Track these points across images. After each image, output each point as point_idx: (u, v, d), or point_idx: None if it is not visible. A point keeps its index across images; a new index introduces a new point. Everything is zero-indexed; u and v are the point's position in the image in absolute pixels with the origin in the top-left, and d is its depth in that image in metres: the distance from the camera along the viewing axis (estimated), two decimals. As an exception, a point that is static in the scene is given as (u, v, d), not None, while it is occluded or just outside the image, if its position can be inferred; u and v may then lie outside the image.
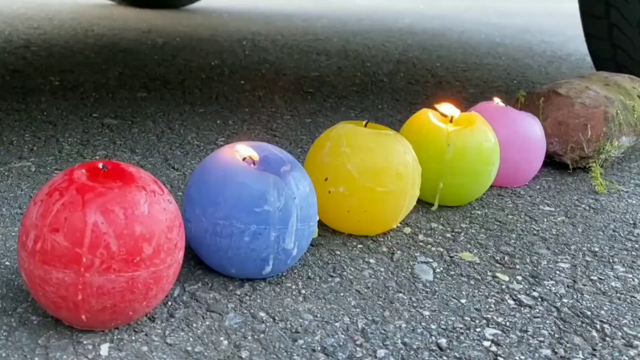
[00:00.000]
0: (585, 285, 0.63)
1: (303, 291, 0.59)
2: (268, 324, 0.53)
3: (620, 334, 0.55)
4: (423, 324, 0.55)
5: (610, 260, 0.69)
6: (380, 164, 0.66)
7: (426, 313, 0.57)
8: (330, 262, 0.65)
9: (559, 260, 0.68)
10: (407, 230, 0.73)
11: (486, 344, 0.53)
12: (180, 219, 0.51)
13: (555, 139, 0.94)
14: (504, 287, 0.62)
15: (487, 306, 0.58)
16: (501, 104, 0.89)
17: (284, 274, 0.62)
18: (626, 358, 0.52)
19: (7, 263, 0.60)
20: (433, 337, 0.53)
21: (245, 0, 3.06)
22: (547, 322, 0.57)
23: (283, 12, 2.73)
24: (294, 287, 0.60)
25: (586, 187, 0.91)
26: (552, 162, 0.97)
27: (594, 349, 0.53)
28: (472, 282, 0.63)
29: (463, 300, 0.59)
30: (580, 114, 0.93)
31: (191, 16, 2.41)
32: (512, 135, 0.85)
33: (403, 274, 0.63)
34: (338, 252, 0.67)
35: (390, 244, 0.70)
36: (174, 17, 2.37)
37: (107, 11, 2.42)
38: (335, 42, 2.03)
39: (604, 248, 0.72)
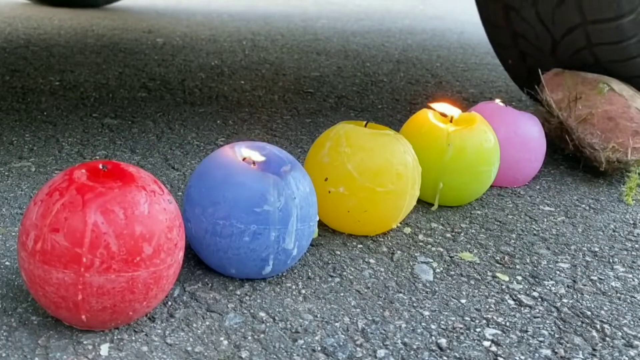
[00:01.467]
0: (585, 285, 0.63)
1: (303, 291, 0.59)
2: (268, 324, 0.53)
3: (620, 334, 0.55)
4: (423, 324, 0.55)
5: (610, 260, 0.69)
6: (380, 164, 0.66)
7: (426, 313, 0.57)
8: (330, 262, 0.65)
9: (559, 260, 0.68)
10: (407, 230, 0.73)
11: (486, 344, 0.53)
12: (180, 219, 0.51)
13: (598, 132, 0.89)
14: (504, 287, 0.62)
15: (487, 306, 0.58)
16: (501, 104, 0.89)
17: (284, 274, 0.62)
18: (626, 358, 0.52)
19: (7, 263, 0.60)
20: (433, 337, 0.53)
21: (244, 0, 3.06)
22: (547, 322, 0.57)
23: (282, 12, 2.73)
24: (294, 287, 0.60)
25: (586, 187, 0.91)
26: (552, 162, 0.97)
27: (594, 349, 0.53)
28: (472, 282, 0.63)
29: (463, 300, 0.59)
30: (634, 119, 0.88)
31: (191, 16, 2.41)
32: (512, 135, 0.85)
33: (403, 274, 0.63)
34: (338, 252, 0.67)
35: (390, 244, 0.70)
36: (174, 17, 2.37)
37: (107, 11, 2.42)
38: (335, 42, 2.03)
39: (604, 248, 0.72)
